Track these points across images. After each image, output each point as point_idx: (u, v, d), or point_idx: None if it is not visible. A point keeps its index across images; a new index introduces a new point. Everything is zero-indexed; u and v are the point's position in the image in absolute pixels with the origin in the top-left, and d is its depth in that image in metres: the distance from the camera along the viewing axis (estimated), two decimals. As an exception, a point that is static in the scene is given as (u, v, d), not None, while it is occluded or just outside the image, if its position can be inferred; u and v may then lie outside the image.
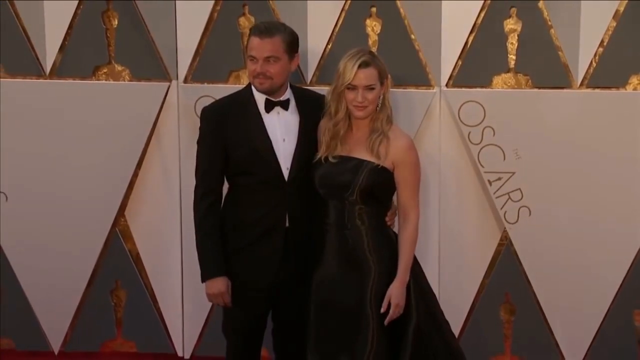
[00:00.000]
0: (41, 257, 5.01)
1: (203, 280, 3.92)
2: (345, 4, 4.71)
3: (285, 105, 3.88)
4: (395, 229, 3.97)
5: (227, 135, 3.85)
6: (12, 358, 5.15)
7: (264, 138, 3.83)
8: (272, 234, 3.88)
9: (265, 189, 3.85)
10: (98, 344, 5.16)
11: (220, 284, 3.87)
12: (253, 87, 3.89)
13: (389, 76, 3.84)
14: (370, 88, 3.72)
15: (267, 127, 3.85)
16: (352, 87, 3.71)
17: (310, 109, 3.93)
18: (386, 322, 3.71)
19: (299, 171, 3.85)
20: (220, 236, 3.91)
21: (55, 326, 5.13)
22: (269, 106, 3.86)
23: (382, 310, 3.72)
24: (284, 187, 3.85)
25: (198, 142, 3.94)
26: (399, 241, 3.85)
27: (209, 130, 3.90)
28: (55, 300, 5.07)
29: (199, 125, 3.96)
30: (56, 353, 5.14)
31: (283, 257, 3.90)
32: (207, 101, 4.24)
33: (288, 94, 3.91)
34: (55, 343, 5.14)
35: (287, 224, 3.87)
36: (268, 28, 3.82)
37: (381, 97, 3.77)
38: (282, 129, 3.87)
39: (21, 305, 5.11)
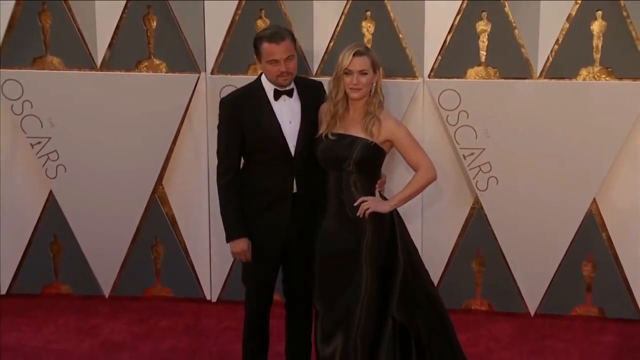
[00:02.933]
0: (94, 218, 5.35)
1: (228, 241, 4.11)
2: (345, 8, 5.01)
3: (290, 93, 4.06)
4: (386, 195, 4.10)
5: (243, 120, 4.02)
6: (70, 301, 5.50)
7: (273, 122, 4.04)
8: (282, 200, 4.07)
9: (275, 163, 4.06)
10: (141, 289, 5.52)
11: (243, 244, 4.08)
12: (262, 80, 4.07)
13: (381, 68, 4.00)
14: (363, 73, 3.89)
15: (275, 112, 4.05)
16: (348, 72, 3.90)
17: (310, 95, 4.13)
18: (355, 204, 3.95)
19: (303, 147, 4.04)
20: (240, 203, 4.08)
21: (105, 275, 5.48)
22: (277, 95, 4.05)
23: (355, 204, 3.94)
24: (291, 161, 4.05)
25: (218, 127, 4.11)
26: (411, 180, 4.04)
27: (227, 117, 4.07)
28: (105, 254, 5.41)
29: (219, 112, 4.11)
30: (106, 297, 5.50)
31: (291, 219, 4.08)
32: (231, 89, 4.36)
33: (292, 84, 4.08)
34: (106, 289, 5.50)
35: (294, 191, 4.07)
36: (278, 33, 3.98)
37: (374, 84, 3.94)
38: (288, 114, 4.06)
39: (78, 258, 5.46)
